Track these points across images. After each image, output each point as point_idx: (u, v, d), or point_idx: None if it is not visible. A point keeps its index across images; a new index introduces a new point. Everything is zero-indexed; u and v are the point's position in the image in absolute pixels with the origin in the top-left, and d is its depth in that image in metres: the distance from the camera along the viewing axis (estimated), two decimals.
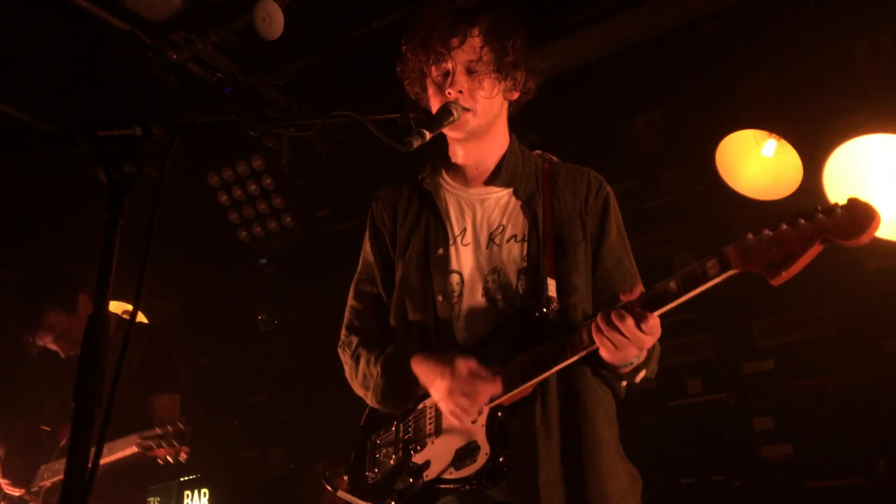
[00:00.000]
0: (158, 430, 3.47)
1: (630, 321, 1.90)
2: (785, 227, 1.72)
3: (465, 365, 2.15)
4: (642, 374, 2.21)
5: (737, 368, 4.46)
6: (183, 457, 3.47)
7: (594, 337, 1.96)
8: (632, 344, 1.93)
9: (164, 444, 3.45)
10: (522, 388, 2.11)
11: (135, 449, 3.53)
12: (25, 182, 5.37)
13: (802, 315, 4.36)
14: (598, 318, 1.95)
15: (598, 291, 2.32)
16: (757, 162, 4.29)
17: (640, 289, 1.94)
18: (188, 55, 4.73)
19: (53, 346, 4.08)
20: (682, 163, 4.83)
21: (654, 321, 1.93)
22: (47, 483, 3.96)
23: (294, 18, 4.45)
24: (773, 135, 4.19)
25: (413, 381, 2.28)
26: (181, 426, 3.43)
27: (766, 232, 1.75)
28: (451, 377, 2.14)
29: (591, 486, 2.12)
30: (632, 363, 2.09)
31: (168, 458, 3.46)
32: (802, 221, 1.70)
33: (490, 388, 2.12)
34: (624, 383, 2.26)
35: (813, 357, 4.26)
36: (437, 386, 2.18)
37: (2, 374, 5.31)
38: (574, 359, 2.05)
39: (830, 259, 1.80)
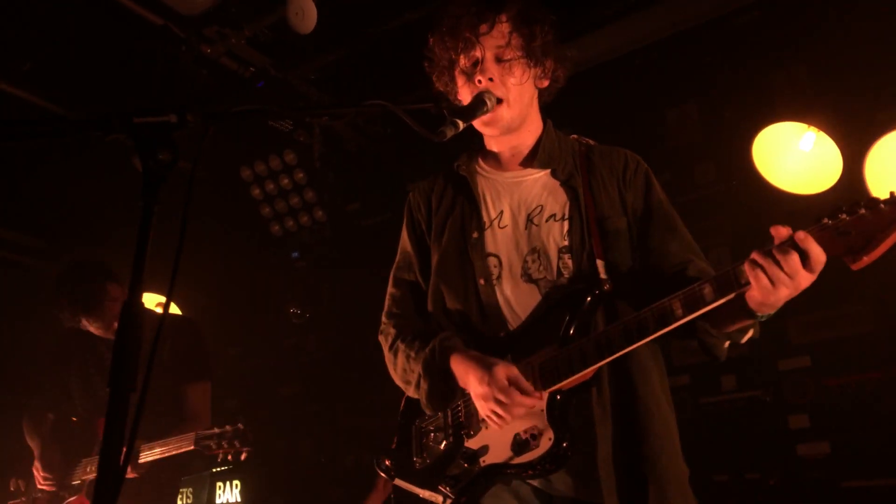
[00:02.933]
0: (217, 430, 3.50)
1: (795, 256, 1.79)
2: (864, 211, 1.69)
3: (503, 372, 2.12)
4: (750, 333, 2.14)
5: (772, 365, 4.40)
6: (244, 457, 3.49)
7: (749, 274, 1.84)
8: (791, 281, 1.82)
9: (224, 444, 3.48)
10: (585, 372, 2.08)
11: (192, 447, 3.56)
12: (63, 175, 5.45)
13: (839, 311, 4.28)
14: (756, 254, 1.84)
15: (653, 266, 2.27)
16: (795, 155, 4.21)
17: (788, 230, 1.84)
18: (221, 49, 4.75)
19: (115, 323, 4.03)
20: (717, 156, 4.77)
21: (819, 252, 1.79)
22: (91, 476, 3.99)
23: (327, 12, 4.46)
24: (811, 127, 4.11)
25: (453, 381, 2.27)
26: (240, 426, 3.46)
27: (843, 217, 1.72)
28: (488, 384, 2.12)
29: (644, 464, 2.10)
30: (763, 316, 2.00)
31: (228, 456, 3.49)
32: (883, 206, 1.67)
33: (527, 401, 2.10)
34: (727, 344, 2.19)
35: (850, 354, 4.19)
36: (473, 389, 2.18)
37: (29, 363, 5.37)
38: (646, 340, 1.98)
39: None
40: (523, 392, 2.10)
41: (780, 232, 1.84)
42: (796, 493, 4.12)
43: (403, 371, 2.42)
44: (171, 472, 4.06)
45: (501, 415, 2.10)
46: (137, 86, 4.87)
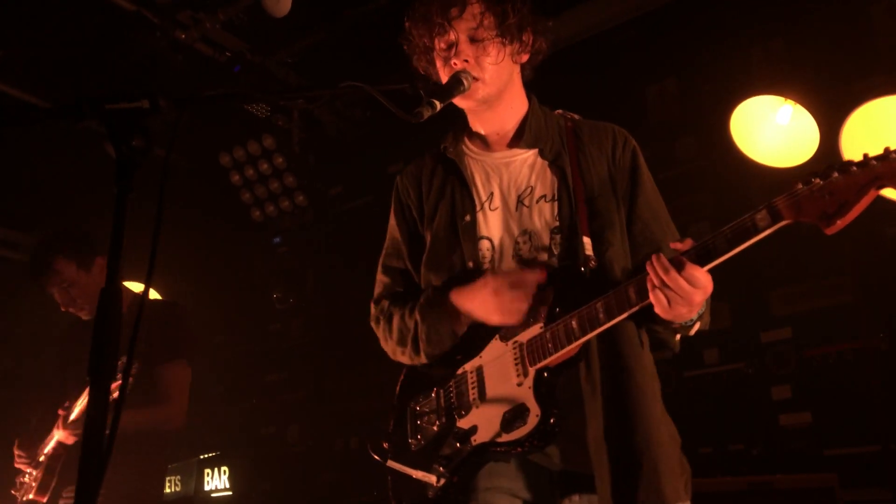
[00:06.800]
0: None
1: (678, 276, 1.88)
2: (836, 175, 1.70)
3: (502, 270, 2.21)
4: (697, 326, 2.19)
5: (754, 337, 4.44)
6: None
7: (650, 294, 1.94)
8: (682, 300, 1.91)
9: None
10: (569, 348, 2.10)
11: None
12: (33, 164, 5.39)
13: (820, 282, 4.31)
14: (651, 274, 1.92)
15: (638, 245, 2.28)
16: (773, 128, 4.22)
17: (689, 242, 1.93)
18: (196, 35, 4.71)
19: (57, 297, 4.04)
20: (697, 131, 4.78)
21: (699, 275, 1.90)
22: (49, 450, 3.97)
23: None
24: (788, 100, 4.13)
25: (454, 314, 2.29)
26: None
27: (817, 181, 1.73)
28: (493, 280, 2.19)
29: (636, 439, 2.11)
30: (692, 319, 2.07)
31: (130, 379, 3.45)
32: (855, 169, 1.68)
33: (535, 276, 2.15)
34: (678, 337, 2.24)
35: (831, 324, 4.23)
36: (481, 296, 2.21)
37: (16, 357, 5.35)
38: (624, 316, 2.02)
39: (849, 225, 1.77)
40: (525, 272, 2.18)
41: (680, 247, 1.93)
42: (779, 463, 4.17)
43: (399, 332, 2.41)
44: (157, 460, 4.05)
45: (520, 298, 2.15)
46: (111, 73, 4.82)
